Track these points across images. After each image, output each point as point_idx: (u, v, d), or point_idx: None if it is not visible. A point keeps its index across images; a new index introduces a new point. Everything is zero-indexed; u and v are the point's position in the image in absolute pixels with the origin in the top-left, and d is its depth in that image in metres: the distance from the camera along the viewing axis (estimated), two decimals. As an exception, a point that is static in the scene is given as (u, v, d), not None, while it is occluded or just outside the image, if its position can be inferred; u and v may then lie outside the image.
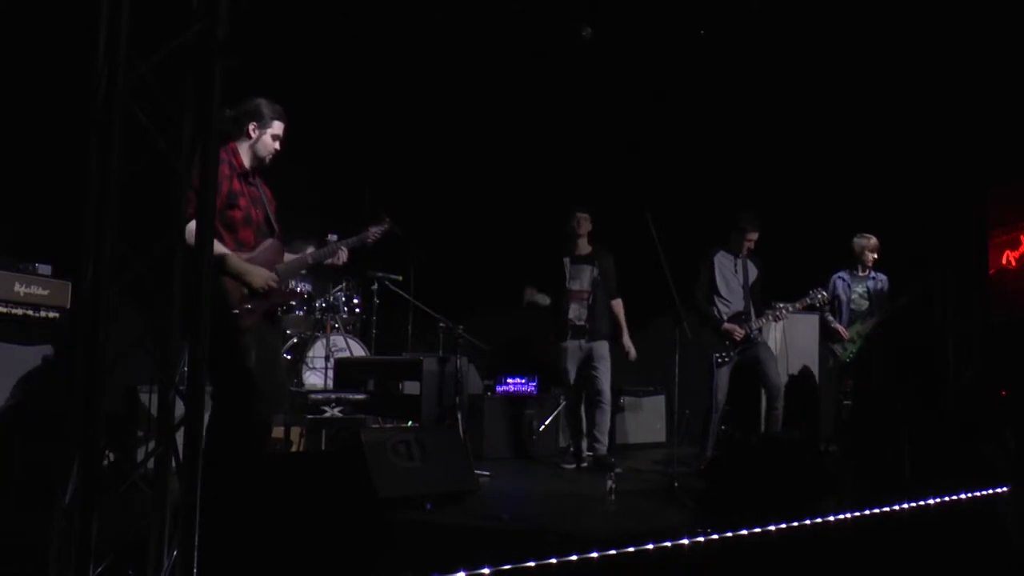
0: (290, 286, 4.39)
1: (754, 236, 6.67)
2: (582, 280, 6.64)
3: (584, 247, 6.74)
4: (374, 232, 4.66)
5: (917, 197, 8.55)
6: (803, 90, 8.47)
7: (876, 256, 7.03)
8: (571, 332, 6.58)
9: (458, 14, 8.37)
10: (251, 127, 4.12)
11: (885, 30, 8.17)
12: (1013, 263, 8.61)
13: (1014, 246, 8.61)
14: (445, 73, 8.56)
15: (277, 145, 4.17)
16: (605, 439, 6.59)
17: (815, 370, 7.77)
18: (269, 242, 4.16)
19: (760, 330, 6.61)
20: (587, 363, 6.58)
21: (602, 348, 6.59)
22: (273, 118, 4.13)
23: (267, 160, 4.18)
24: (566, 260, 6.71)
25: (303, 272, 6.96)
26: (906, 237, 8.00)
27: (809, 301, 6.70)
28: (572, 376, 6.61)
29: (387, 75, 8.26)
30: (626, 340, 6.70)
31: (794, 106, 8.51)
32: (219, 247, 3.68)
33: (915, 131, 8.56)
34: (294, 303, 7.24)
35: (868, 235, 7.08)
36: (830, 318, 7.09)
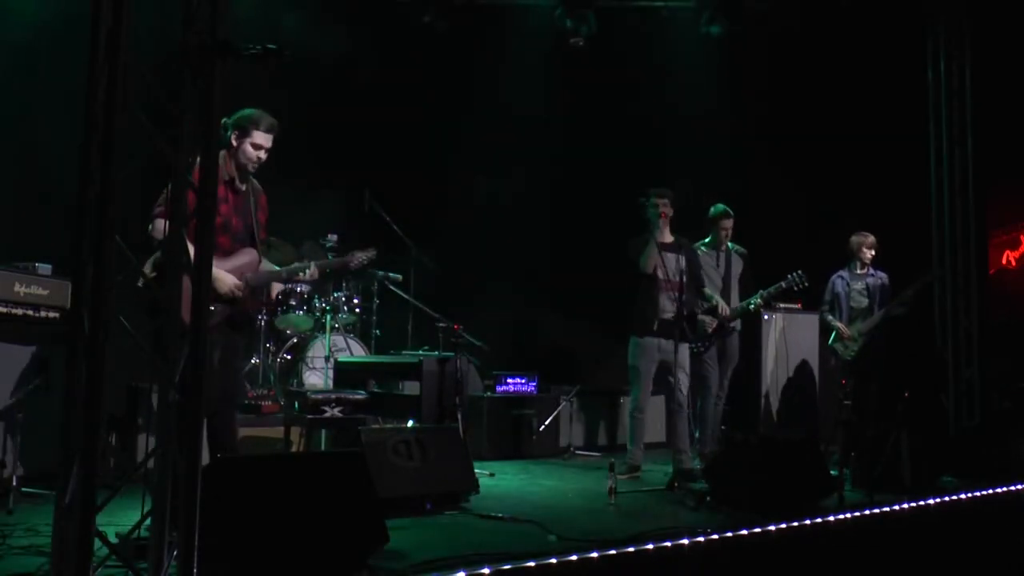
0: (263, 296, 4.37)
1: (728, 223, 6.71)
2: (668, 269, 5.99)
3: (668, 235, 6.17)
4: (359, 258, 4.67)
5: (917, 197, 8.55)
6: (805, 88, 8.47)
7: (873, 253, 7.05)
8: (658, 326, 5.98)
9: (457, 17, 8.40)
10: (234, 136, 4.14)
11: (886, 30, 8.17)
12: (1013, 263, 8.62)
13: (1014, 246, 8.62)
14: (444, 72, 8.57)
15: (261, 155, 4.15)
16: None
17: (815, 370, 7.76)
18: (246, 250, 4.18)
19: (740, 320, 6.67)
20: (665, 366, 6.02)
21: (684, 352, 6.00)
22: (255, 129, 4.12)
23: (250, 168, 4.17)
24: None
25: (289, 284, 6.93)
26: (906, 237, 8.00)
27: (786, 285, 6.63)
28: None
29: (386, 75, 8.27)
30: None
31: (795, 103, 8.51)
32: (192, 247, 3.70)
33: (916, 131, 8.57)
34: (284, 306, 7.25)
35: (865, 233, 7.10)
36: (830, 317, 7.13)
